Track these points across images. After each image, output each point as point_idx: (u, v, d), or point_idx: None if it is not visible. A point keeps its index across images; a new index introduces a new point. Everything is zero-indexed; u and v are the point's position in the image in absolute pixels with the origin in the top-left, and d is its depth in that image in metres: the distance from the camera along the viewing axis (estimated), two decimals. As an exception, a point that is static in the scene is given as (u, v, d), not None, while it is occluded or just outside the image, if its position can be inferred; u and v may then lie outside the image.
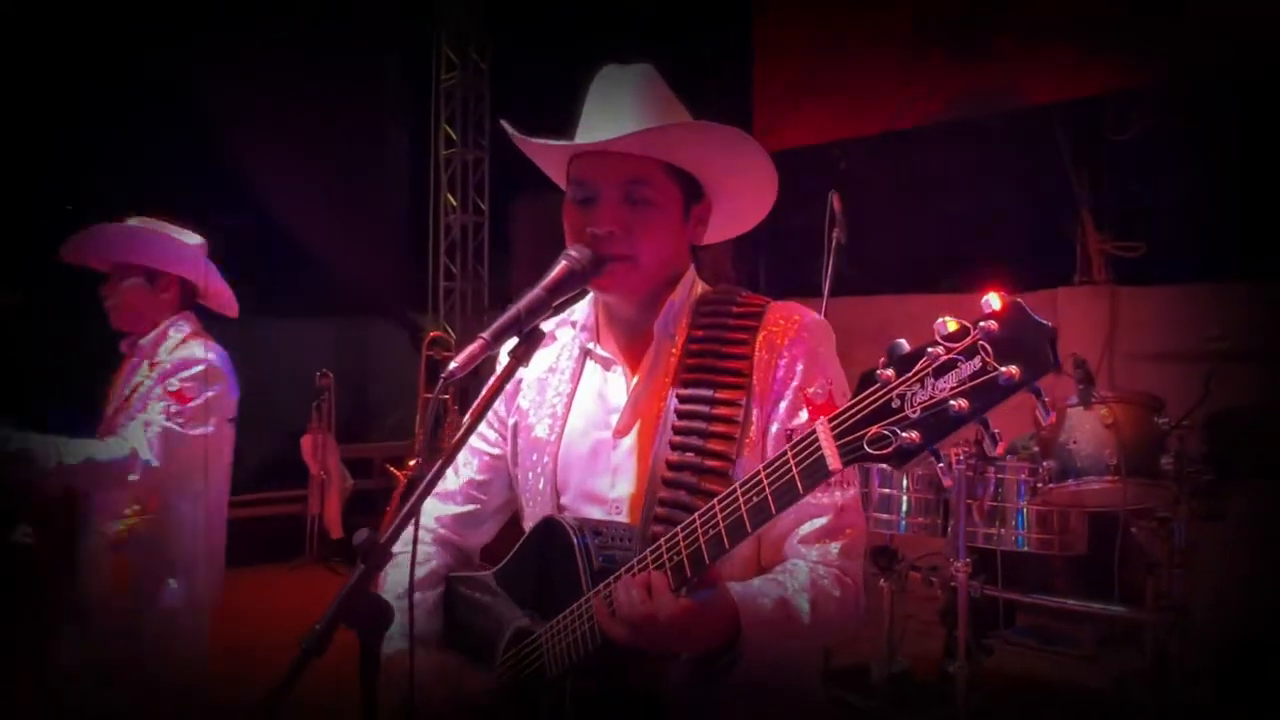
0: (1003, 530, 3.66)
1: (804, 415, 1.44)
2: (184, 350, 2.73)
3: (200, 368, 2.69)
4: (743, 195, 1.61)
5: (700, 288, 1.62)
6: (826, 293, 3.37)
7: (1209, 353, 3.57)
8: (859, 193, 4.38)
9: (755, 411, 1.48)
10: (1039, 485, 3.47)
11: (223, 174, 7.13)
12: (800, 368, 1.48)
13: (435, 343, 7.35)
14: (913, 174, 6.96)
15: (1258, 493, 3.77)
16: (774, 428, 1.48)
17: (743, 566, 1.47)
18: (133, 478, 2.57)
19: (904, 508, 3.87)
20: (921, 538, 3.96)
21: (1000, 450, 3.83)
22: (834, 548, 1.44)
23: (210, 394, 2.69)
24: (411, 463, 6.21)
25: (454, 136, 8.45)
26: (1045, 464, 3.42)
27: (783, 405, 1.47)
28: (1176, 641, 3.44)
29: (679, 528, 1.29)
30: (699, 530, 1.26)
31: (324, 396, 6.99)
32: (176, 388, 2.65)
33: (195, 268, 2.84)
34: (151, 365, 2.73)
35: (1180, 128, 5.32)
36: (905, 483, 3.87)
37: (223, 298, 2.95)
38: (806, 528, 1.45)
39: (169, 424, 2.61)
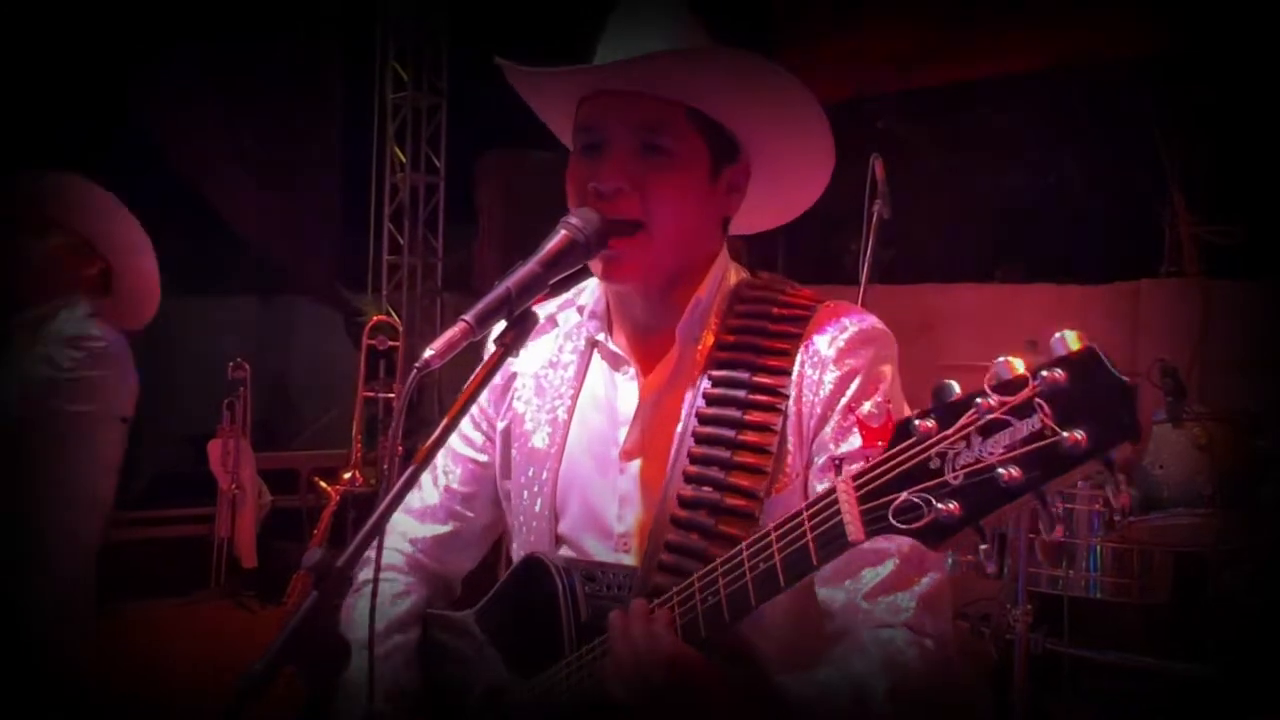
0: (1071, 572, 3.70)
1: (856, 440, 1.41)
2: (79, 325, 2.76)
3: (97, 344, 2.73)
4: (789, 159, 1.59)
5: (736, 278, 1.61)
6: (865, 279, 3.38)
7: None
8: (899, 159, 4.40)
9: (793, 439, 1.46)
10: (1116, 518, 3.49)
11: (108, 117, 7.07)
12: (854, 384, 1.46)
13: (379, 329, 7.32)
14: (965, 138, 7.00)
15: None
16: (820, 459, 1.46)
17: (784, 620, 1.46)
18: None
19: (951, 543, 3.90)
20: (971, 579, 3.98)
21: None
22: (905, 600, 1.40)
23: (96, 374, 2.72)
24: (346, 475, 6.19)
25: (404, 77, 8.41)
26: (1125, 492, 3.45)
27: (829, 428, 1.45)
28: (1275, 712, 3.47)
29: (674, 592, 1.28)
30: (697, 597, 1.26)
31: (238, 392, 6.94)
32: (56, 355, 2.68)
33: (130, 252, 2.90)
34: (33, 341, 2.75)
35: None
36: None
37: (141, 299, 2.98)
38: (869, 578, 1.41)
39: (38, 392, 2.65)
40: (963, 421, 1.02)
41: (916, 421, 1.06)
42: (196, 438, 7.18)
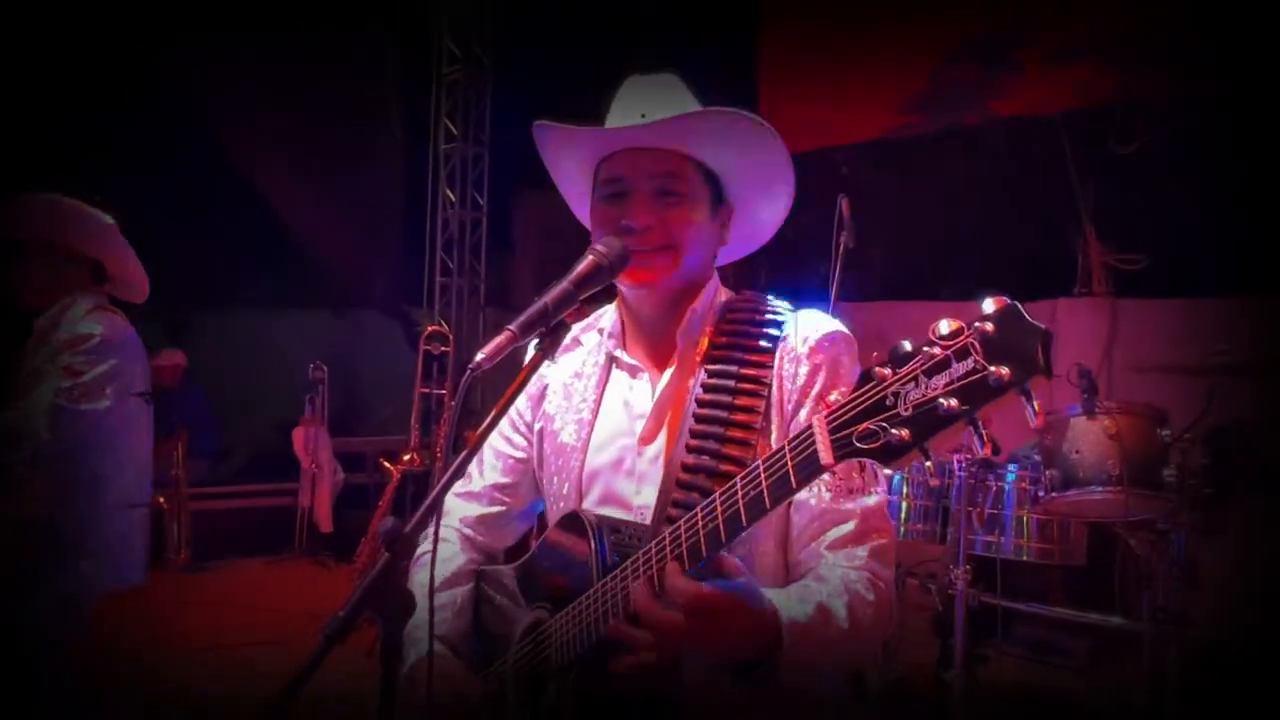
0: (1002, 538, 3.68)
1: None
2: (80, 326, 2.64)
3: (94, 341, 2.61)
4: (761, 202, 1.62)
5: (724, 294, 1.63)
6: (834, 298, 3.38)
7: (1212, 366, 3.58)
8: (859, 199, 4.39)
9: (775, 419, 1.48)
10: (1040, 494, 3.48)
11: (219, 167, 7.12)
12: (821, 376, 1.48)
13: (434, 337, 7.32)
14: (914, 181, 6.98)
15: (1259, 508, 3.79)
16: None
17: (770, 578, 1.45)
18: (20, 455, 2.50)
19: (903, 514, 3.88)
20: (919, 544, 3.96)
21: (1003, 458, 3.84)
22: (861, 552, 1.42)
23: (104, 368, 2.60)
24: (406, 457, 6.19)
25: (454, 131, 8.42)
26: (1048, 473, 3.43)
27: (803, 413, 1.47)
28: (1173, 655, 3.45)
29: (681, 522, 1.28)
30: (699, 523, 1.26)
31: (317, 389, 6.96)
32: (67, 362, 2.57)
33: (111, 248, 2.76)
34: (47, 343, 2.65)
35: (1185, 141, 5.34)
36: (905, 488, 3.88)
37: (133, 281, 2.84)
38: (832, 534, 1.43)
39: (58, 400, 2.53)
40: (913, 364, 1.05)
41: (875, 369, 1.09)
42: (283, 425, 7.20)
